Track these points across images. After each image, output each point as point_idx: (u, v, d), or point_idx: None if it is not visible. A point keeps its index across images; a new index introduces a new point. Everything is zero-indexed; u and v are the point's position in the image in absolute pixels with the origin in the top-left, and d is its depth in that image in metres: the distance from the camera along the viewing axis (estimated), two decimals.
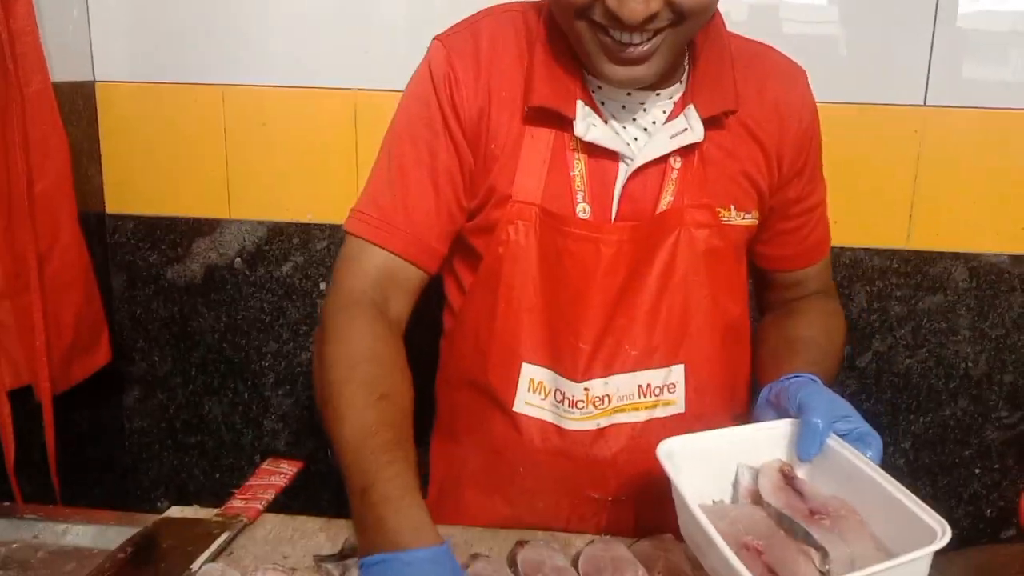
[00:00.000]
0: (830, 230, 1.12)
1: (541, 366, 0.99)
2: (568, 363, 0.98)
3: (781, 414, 0.88)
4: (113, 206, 1.67)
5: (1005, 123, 1.48)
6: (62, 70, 1.48)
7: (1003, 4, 1.45)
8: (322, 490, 1.66)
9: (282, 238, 1.64)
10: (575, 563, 0.91)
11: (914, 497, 0.74)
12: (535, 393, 1.00)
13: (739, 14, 1.47)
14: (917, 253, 1.54)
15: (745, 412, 1.06)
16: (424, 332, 1.08)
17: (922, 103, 1.48)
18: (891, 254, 1.55)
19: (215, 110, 1.59)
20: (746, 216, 0.99)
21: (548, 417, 1.01)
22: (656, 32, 0.83)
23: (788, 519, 0.78)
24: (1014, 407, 1.59)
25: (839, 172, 1.49)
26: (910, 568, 0.68)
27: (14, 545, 1.02)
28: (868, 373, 1.60)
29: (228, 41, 1.58)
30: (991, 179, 1.50)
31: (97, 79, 1.61)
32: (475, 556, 0.92)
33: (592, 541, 0.95)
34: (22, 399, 1.41)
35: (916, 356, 1.59)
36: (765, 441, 0.87)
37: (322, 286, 1.66)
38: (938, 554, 0.69)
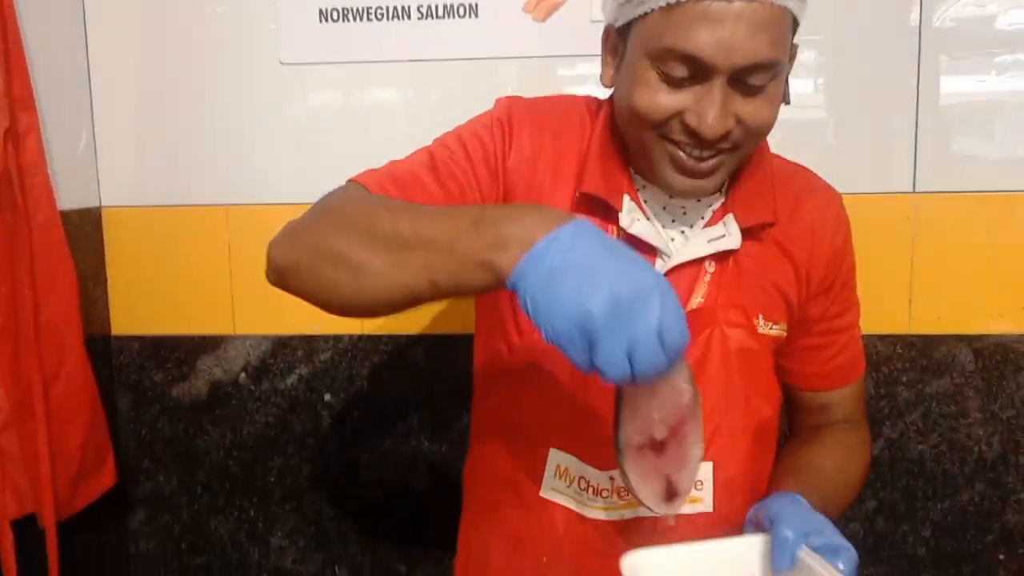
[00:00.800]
0: (864, 357, 1.12)
1: (567, 452, 1.00)
2: (593, 451, 0.98)
3: (759, 530, 0.89)
4: (119, 327, 1.69)
5: (995, 205, 1.51)
6: (69, 198, 1.52)
7: (982, 85, 1.49)
8: None
9: (286, 351, 1.65)
10: None
11: None
12: (561, 479, 1.00)
13: None
14: (921, 337, 1.55)
15: None
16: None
17: (911, 190, 1.51)
18: (895, 339, 1.55)
19: (219, 229, 1.63)
20: (774, 327, 1.02)
21: (572, 504, 1.01)
22: (725, 149, 0.89)
23: None
24: None
25: None
26: None
27: None
28: (882, 461, 1.58)
29: (230, 162, 1.63)
30: (986, 260, 1.52)
31: (103, 204, 1.65)
32: None
33: None
34: (25, 526, 1.39)
35: (928, 441, 1.57)
36: (736, 555, 0.86)
37: (327, 397, 1.66)
38: None
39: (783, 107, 0.92)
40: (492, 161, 0.97)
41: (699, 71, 0.85)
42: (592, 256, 0.68)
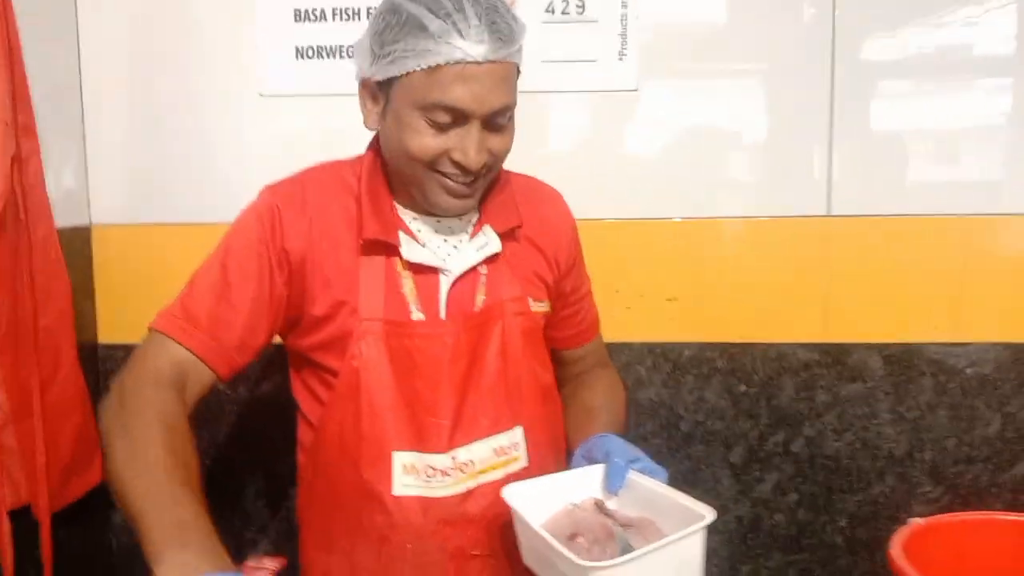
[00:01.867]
0: (597, 316, 1.42)
1: (409, 451, 1.17)
2: (434, 440, 1.17)
3: (592, 463, 1.15)
4: (105, 336, 1.82)
5: (900, 227, 1.69)
6: (63, 217, 1.65)
7: (891, 115, 1.67)
8: None
9: (261, 360, 1.76)
10: None
11: (695, 500, 1.00)
12: (408, 475, 1.17)
13: (654, 133, 1.70)
14: (835, 345, 1.72)
15: (566, 461, 1.28)
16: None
17: (826, 213, 1.70)
18: (812, 347, 1.73)
19: (200, 247, 1.74)
20: (540, 305, 1.26)
21: (422, 492, 1.18)
22: (483, 174, 1.13)
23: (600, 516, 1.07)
24: (936, 482, 1.74)
25: (760, 278, 1.71)
26: (683, 544, 0.95)
27: None
28: (802, 457, 1.75)
29: (211, 184, 1.77)
30: (894, 276, 1.70)
31: (93, 223, 1.79)
32: None
33: None
34: (19, 518, 1.51)
35: (843, 439, 1.75)
36: (585, 481, 1.14)
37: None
38: None
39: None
40: (274, 256, 1.15)
41: (458, 117, 1.06)
42: None
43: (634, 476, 1.10)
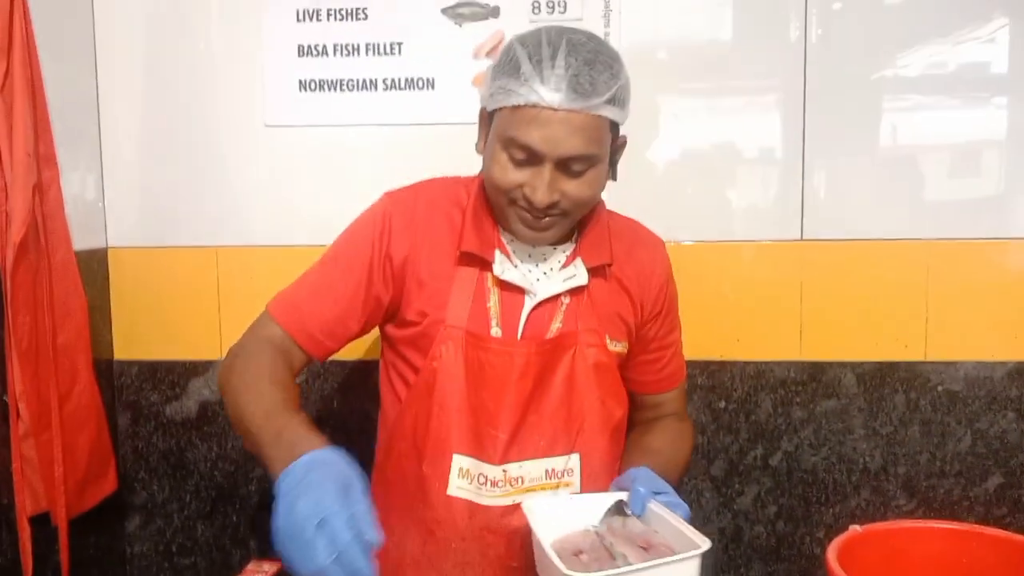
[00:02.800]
0: (683, 366, 1.45)
1: (467, 455, 1.25)
2: (490, 451, 1.25)
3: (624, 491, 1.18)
4: (120, 353, 1.93)
5: (870, 250, 1.77)
6: (80, 239, 1.75)
7: (861, 142, 1.76)
8: None
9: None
10: None
11: (698, 532, 1.02)
12: (463, 479, 1.25)
13: (630, 158, 1.79)
14: (811, 363, 1.80)
15: None
16: None
17: (799, 238, 1.78)
18: (789, 365, 1.81)
19: (209, 268, 1.87)
20: (618, 344, 1.31)
21: (472, 497, 1.26)
22: (555, 214, 1.18)
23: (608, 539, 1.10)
24: (910, 495, 1.81)
25: (738, 298, 1.80)
26: (672, 568, 0.97)
27: None
28: (780, 471, 1.83)
29: (220, 210, 1.88)
30: (865, 297, 1.77)
31: (110, 245, 1.90)
32: None
33: None
34: (38, 524, 1.60)
35: (820, 454, 1.82)
36: (602, 503, 1.16)
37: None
38: None
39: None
40: (377, 259, 1.26)
41: (533, 156, 1.14)
42: (294, 490, 0.93)
43: (653, 506, 1.12)
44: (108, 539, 1.92)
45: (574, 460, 1.27)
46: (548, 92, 1.10)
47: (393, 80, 1.81)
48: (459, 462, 1.25)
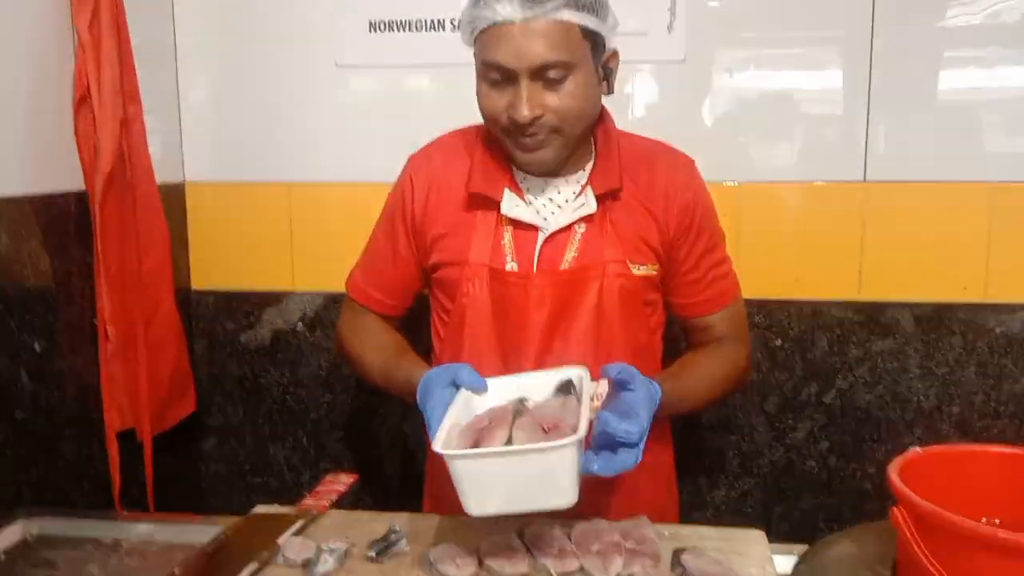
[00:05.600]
0: (736, 286, 1.39)
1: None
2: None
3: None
4: (197, 283, 2.02)
5: (932, 193, 1.77)
6: (160, 174, 1.84)
7: (927, 84, 1.75)
8: (370, 497, 1.96)
9: (337, 305, 1.89)
10: (569, 537, 1.18)
11: (585, 426, 0.96)
12: None
13: (700, 101, 1.81)
14: (869, 303, 1.82)
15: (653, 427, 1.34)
16: None
17: (862, 179, 1.79)
18: (846, 305, 1.83)
19: (282, 203, 1.95)
20: (642, 268, 1.30)
21: None
22: (544, 131, 1.20)
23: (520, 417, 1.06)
24: (963, 434, 1.83)
25: (799, 239, 1.81)
26: (550, 455, 0.93)
27: (134, 541, 1.32)
28: (834, 409, 1.86)
29: (292, 147, 1.95)
30: (925, 239, 1.79)
31: (187, 180, 1.99)
32: (491, 534, 1.19)
33: (581, 520, 1.22)
34: (123, 441, 1.71)
35: (874, 392, 1.85)
36: (554, 381, 1.13)
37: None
38: None
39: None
40: (407, 222, 1.36)
41: (507, 76, 1.17)
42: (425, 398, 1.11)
43: (591, 388, 1.10)
44: (187, 458, 2.04)
45: (603, 386, 1.22)
46: (503, 6, 1.13)
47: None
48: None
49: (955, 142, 1.76)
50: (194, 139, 1.98)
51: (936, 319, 1.81)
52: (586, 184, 1.29)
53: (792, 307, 1.85)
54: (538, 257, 1.29)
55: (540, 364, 1.27)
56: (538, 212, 1.29)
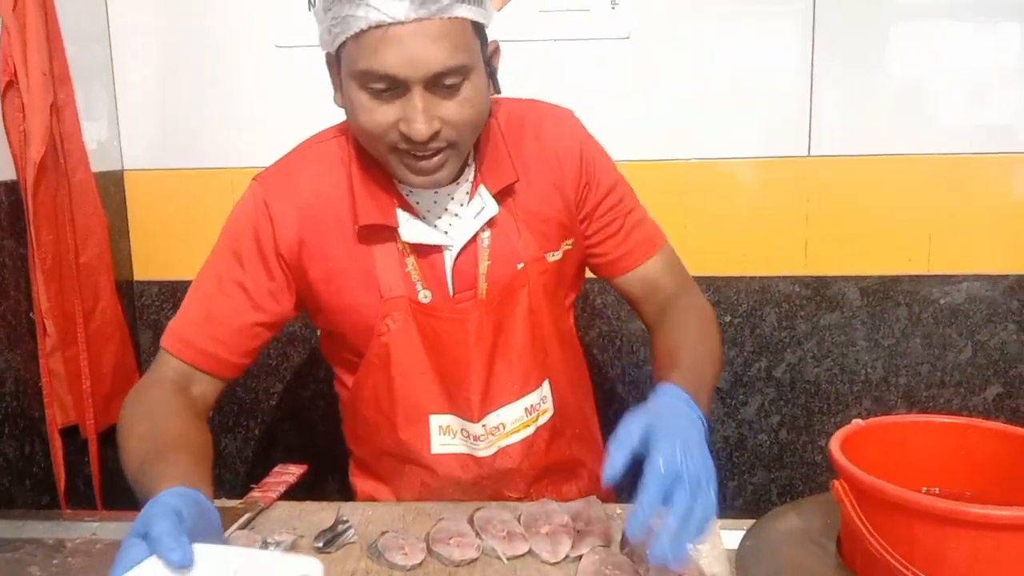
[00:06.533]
0: (659, 231, 1.26)
1: (445, 413, 1.21)
2: (464, 410, 1.20)
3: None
4: (140, 274, 1.98)
5: (875, 166, 1.79)
6: (97, 162, 1.79)
7: (868, 60, 1.77)
8: (319, 489, 1.91)
9: None
10: (519, 520, 1.17)
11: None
12: (446, 435, 1.22)
13: (644, 79, 1.80)
14: (816, 278, 1.84)
15: (589, 399, 1.35)
16: None
17: (807, 154, 1.80)
18: (793, 279, 1.85)
19: (224, 190, 1.90)
20: (556, 253, 1.20)
21: (464, 450, 1.23)
22: (441, 147, 1.04)
23: None
24: (910, 405, 1.87)
25: (745, 215, 1.82)
26: None
27: (77, 540, 1.29)
28: (784, 382, 1.88)
29: (233, 132, 1.90)
30: (870, 212, 1.81)
31: (125, 168, 1.93)
32: (441, 519, 1.18)
33: (531, 503, 1.22)
34: (67, 437, 1.67)
35: (823, 365, 1.87)
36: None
37: (319, 332, 1.95)
38: None
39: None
40: (273, 262, 1.14)
41: (396, 85, 0.98)
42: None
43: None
44: None
45: (546, 388, 1.23)
46: (389, 4, 0.94)
47: None
48: (437, 421, 1.21)
49: (898, 116, 1.78)
50: (132, 126, 1.93)
51: (881, 291, 1.83)
52: (476, 180, 1.15)
53: (741, 283, 1.86)
54: (452, 279, 1.16)
55: (485, 393, 1.19)
56: (437, 227, 1.15)
